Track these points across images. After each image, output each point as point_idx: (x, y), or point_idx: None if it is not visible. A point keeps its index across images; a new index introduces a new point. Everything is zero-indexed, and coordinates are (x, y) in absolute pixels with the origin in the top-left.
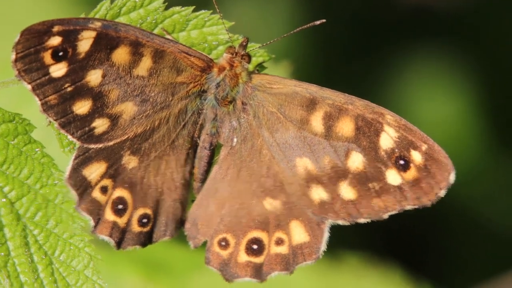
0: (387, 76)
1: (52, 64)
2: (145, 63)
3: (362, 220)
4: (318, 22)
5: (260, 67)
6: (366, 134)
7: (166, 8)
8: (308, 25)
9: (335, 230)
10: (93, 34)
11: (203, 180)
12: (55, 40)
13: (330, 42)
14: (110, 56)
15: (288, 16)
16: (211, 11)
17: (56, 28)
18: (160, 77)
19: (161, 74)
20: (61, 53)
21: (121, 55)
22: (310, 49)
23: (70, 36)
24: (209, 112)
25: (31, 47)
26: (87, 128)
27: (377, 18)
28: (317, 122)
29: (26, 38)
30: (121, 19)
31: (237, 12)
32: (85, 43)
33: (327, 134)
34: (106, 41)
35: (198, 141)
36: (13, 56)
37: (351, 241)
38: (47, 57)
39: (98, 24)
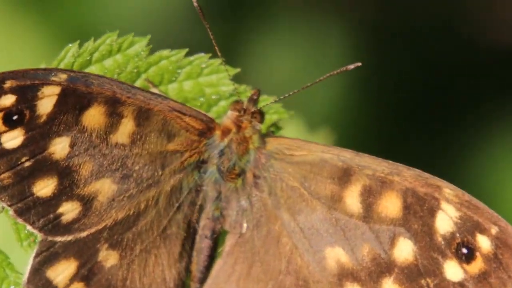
0: (458, 144)
1: (4, 132)
2: (126, 127)
3: None
4: (352, 66)
5: (274, 127)
6: (418, 214)
7: (151, 53)
8: (339, 70)
9: None
10: (56, 90)
11: (203, 280)
12: (8, 100)
13: (384, 103)
14: (80, 119)
15: (321, 59)
16: (209, 54)
17: (8, 84)
18: (146, 145)
19: (147, 141)
20: (15, 117)
21: (94, 117)
22: (358, 112)
23: (27, 94)
24: (211, 189)
25: None
26: (52, 215)
27: (445, 67)
28: (352, 199)
29: None
30: (93, 69)
31: (246, 55)
32: (46, 102)
33: (366, 215)
34: (75, 99)
35: (197, 228)
36: None
37: None
38: None
39: (63, 77)
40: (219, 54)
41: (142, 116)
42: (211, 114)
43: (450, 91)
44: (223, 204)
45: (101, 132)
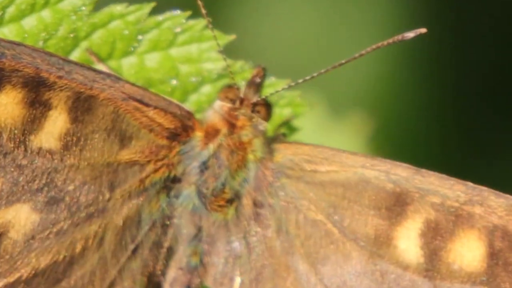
0: None
1: None
2: (56, 124)
3: None
4: (411, 34)
5: (287, 127)
6: (511, 266)
7: (97, 9)
8: (392, 39)
9: None
10: None
11: None
12: None
13: (442, 80)
14: None
15: (355, 26)
16: (188, 12)
17: None
18: (86, 152)
19: (88, 146)
20: None
21: (6, 107)
22: (403, 93)
23: None
24: (186, 223)
25: None
26: None
27: None
28: (409, 242)
29: None
30: (6, 32)
31: (245, 17)
32: None
33: (429, 267)
34: None
35: (162, 283)
36: None
37: None
38: None
39: None
40: (203, 11)
41: (81, 107)
42: (190, 105)
43: None
44: (205, 247)
45: (16, 132)
